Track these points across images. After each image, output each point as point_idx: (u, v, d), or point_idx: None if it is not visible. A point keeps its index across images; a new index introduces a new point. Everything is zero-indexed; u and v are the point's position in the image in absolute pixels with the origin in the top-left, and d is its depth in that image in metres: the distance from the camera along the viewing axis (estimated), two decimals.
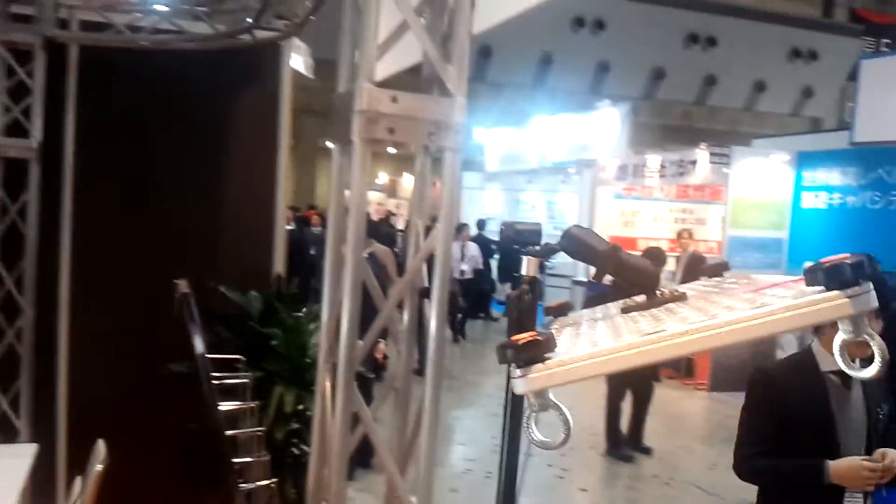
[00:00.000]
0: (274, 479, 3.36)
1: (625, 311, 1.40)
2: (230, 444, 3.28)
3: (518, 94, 19.53)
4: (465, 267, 12.27)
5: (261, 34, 4.24)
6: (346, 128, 2.40)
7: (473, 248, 12.71)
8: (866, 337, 0.97)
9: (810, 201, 10.26)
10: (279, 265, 4.66)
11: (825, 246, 9.60)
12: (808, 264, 0.99)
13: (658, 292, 1.37)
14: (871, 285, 0.95)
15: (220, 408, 3.28)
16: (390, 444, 2.60)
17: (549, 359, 1.02)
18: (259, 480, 3.38)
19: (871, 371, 0.98)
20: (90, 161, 4.23)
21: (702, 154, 10.46)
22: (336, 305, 2.50)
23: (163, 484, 3.96)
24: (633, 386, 7.08)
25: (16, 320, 3.95)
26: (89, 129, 4.22)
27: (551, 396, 1.06)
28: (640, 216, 12.70)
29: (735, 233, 10.32)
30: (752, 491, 4.67)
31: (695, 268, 10.21)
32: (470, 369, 10.32)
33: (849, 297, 0.94)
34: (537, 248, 1.47)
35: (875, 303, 0.96)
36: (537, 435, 1.08)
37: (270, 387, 4.04)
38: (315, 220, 13.45)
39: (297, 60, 5.11)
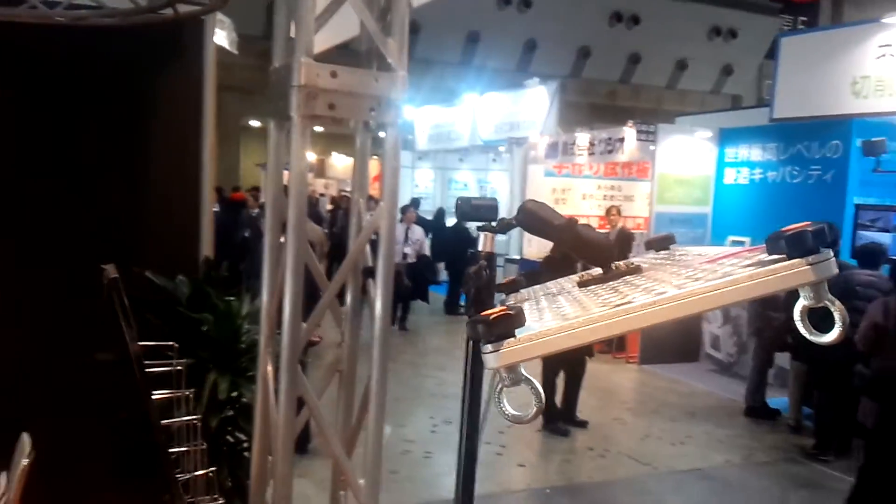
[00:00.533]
0: (212, 469, 3.27)
1: (582, 284, 1.40)
2: (165, 433, 3.17)
3: (446, 71, 19.52)
4: (408, 250, 11.49)
5: (183, 8, 4.08)
6: (284, 104, 2.33)
7: (419, 232, 11.85)
8: (827, 303, 0.99)
9: (732, 177, 10.56)
10: (207, 248, 4.53)
11: (747, 220, 9.92)
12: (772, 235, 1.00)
13: (614, 266, 1.37)
14: (831, 252, 0.96)
15: (153, 396, 3.17)
16: (335, 428, 2.57)
17: (519, 333, 1.01)
18: (196, 470, 3.28)
19: (832, 336, 1.00)
20: (2, 143, 3.99)
21: (629, 132, 10.64)
22: (276, 288, 2.44)
23: (94, 476, 3.82)
24: (567, 362, 7.20)
25: None
26: (4, 108, 3.95)
27: (523, 371, 1.04)
28: (571, 193, 12.86)
29: (661, 209, 10.55)
30: (682, 459, 4.85)
31: (624, 244, 10.50)
32: (408, 350, 10.33)
33: (810, 264, 0.95)
34: (494, 223, 1.45)
35: (835, 269, 0.97)
36: (509, 409, 1.07)
37: (203, 374, 3.93)
38: (251, 202, 13.14)
39: (221, 36, 4.94)
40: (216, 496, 3.03)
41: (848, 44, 8.57)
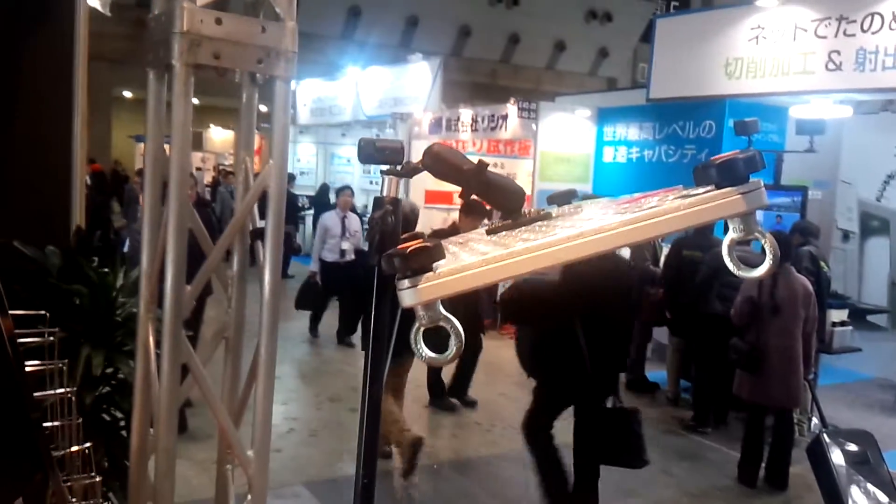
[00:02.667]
0: (87, 444, 3.05)
1: (490, 232, 1.34)
2: (38, 407, 2.93)
3: (328, 45, 19.13)
4: (346, 245, 9.22)
5: None
6: (165, 52, 2.16)
7: (356, 222, 9.59)
8: (757, 235, 0.96)
9: (611, 155, 10.86)
10: (79, 219, 4.26)
11: (617, 195, 10.21)
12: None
13: (524, 213, 1.32)
14: (761, 182, 0.94)
15: (24, 369, 2.92)
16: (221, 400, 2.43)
17: (437, 268, 0.93)
18: (71, 446, 3.05)
19: (762, 269, 0.97)
20: None
21: (512, 109, 10.75)
22: (157, 251, 2.27)
23: None
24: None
25: None
26: None
27: (441, 309, 0.97)
28: None
29: (543, 186, 10.72)
30: (566, 433, 4.94)
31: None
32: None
33: (741, 193, 0.92)
34: (399, 167, 1.36)
35: (766, 199, 0.94)
36: (426, 351, 0.99)
37: (77, 348, 3.70)
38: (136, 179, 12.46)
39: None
40: (93, 474, 2.82)
41: (722, 26, 8.83)
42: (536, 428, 4.85)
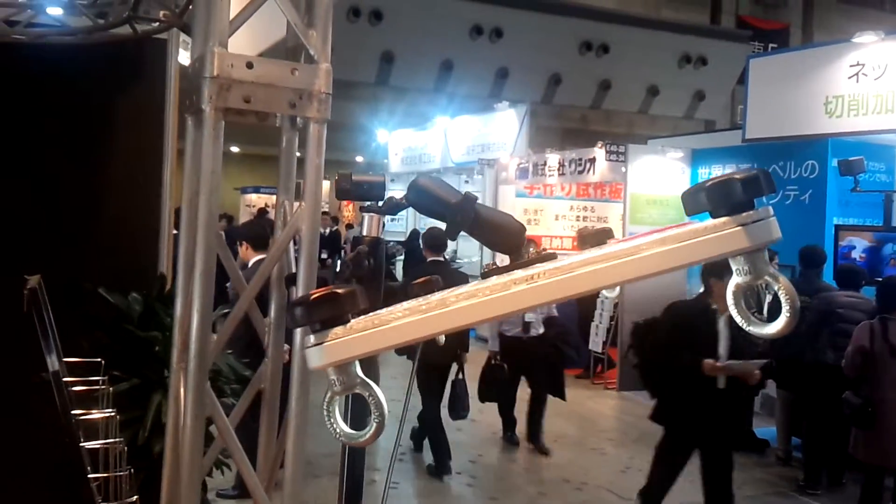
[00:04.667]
0: (135, 497, 3.01)
1: (485, 275, 1.18)
2: (87, 457, 2.92)
3: (420, 97, 19.47)
4: (530, 315, 7.26)
5: (143, 27, 4.00)
6: (197, 96, 2.14)
7: None
8: (769, 279, 0.75)
9: None
10: (164, 265, 4.39)
11: None
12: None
13: (525, 254, 1.16)
14: (770, 210, 0.75)
15: (75, 418, 2.92)
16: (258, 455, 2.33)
17: (350, 320, 0.77)
18: (121, 498, 3.02)
19: (778, 325, 0.76)
20: None
21: (599, 152, 10.56)
22: (190, 296, 2.21)
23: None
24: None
25: None
26: None
27: (358, 371, 0.80)
28: (544, 214, 12.76)
29: (635, 228, 10.41)
30: (669, 497, 4.62)
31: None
32: None
33: (742, 224, 0.73)
34: (379, 203, 1.23)
35: (777, 232, 0.75)
36: (341, 426, 0.81)
37: (149, 395, 3.74)
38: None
39: (186, 56, 4.87)
40: None
41: (819, 64, 8.53)
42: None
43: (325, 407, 0.80)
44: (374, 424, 0.79)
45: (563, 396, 7.33)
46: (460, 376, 6.44)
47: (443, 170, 15.42)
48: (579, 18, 21.77)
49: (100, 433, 3.07)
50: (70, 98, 4.14)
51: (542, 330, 7.06)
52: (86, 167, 4.25)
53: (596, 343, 10.10)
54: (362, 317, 0.77)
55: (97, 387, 3.13)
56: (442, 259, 6.57)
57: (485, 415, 8.27)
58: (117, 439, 3.04)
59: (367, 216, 1.26)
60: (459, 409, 6.59)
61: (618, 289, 0.75)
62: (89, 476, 2.91)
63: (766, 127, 9.32)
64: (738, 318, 0.77)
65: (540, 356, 7.07)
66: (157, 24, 4.14)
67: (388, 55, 19.74)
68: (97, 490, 3.00)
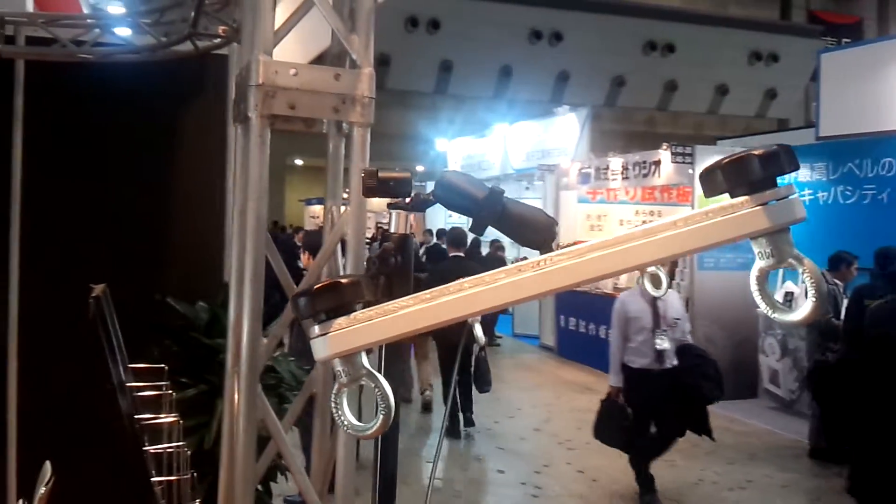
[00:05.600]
0: (198, 500, 3.07)
1: None
2: (149, 461, 3.00)
3: (479, 105, 19.51)
4: (662, 343, 5.94)
5: (204, 43, 4.12)
6: (244, 105, 2.18)
7: (675, 303, 6.56)
8: (793, 262, 0.72)
9: None
10: (228, 275, 4.52)
11: (799, 242, 9.37)
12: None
13: (555, 247, 1.14)
14: (793, 188, 0.71)
15: (139, 422, 3.00)
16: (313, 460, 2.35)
17: (357, 309, 0.76)
18: (184, 501, 3.09)
19: (804, 312, 0.71)
20: (38, 174, 4.18)
21: (664, 154, 10.33)
22: (241, 301, 2.25)
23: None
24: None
25: None
26: (37, 142, 4.19)
27: (364, 362, 0.78)
28: (607, 220, 12.52)
29: None
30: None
31: (671, 268, 10.02)
32: None
33: (761, 203, 0.69)
34: (407, 200, 1.22)
35: (802, 211, 0.71)
36: (349, 418, 0.79)
37: (214, 401, 3.83)
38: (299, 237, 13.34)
39: None
40: None
41: (894, 57, 8.18)
42: None
43: (332, 399, 0.79)
44: (381, 416, 0.77)
45: (710, 434, 6.07)
46: (483, 354, 6.82)
47: (502, 177, 15.35)
48: (642, 18, 21.49)
49: (164, 437, 3.15)
50: (136, 114, 4.30)
51: (676, 361, 5.83)
52: (153, 181, 4.40)
53: None
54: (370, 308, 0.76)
55: (161, 392, 3.21)
56: (462, 254, 7.41)
57: (551, 424, 8.19)
58: (180, 443, 3.11)
59: (394, 213, 1.26)
60: (483, 383, 7.24)
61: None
62: (152, 479, 2.98)
63: (841, 124, 8.99)
64: (762, 305, 0.73)
65: (675, 392, 5.79)
66: (217, 39, 4.27)
67: (447, 64, 19.85)
68: (161, 493, 3.07)
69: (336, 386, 0.77)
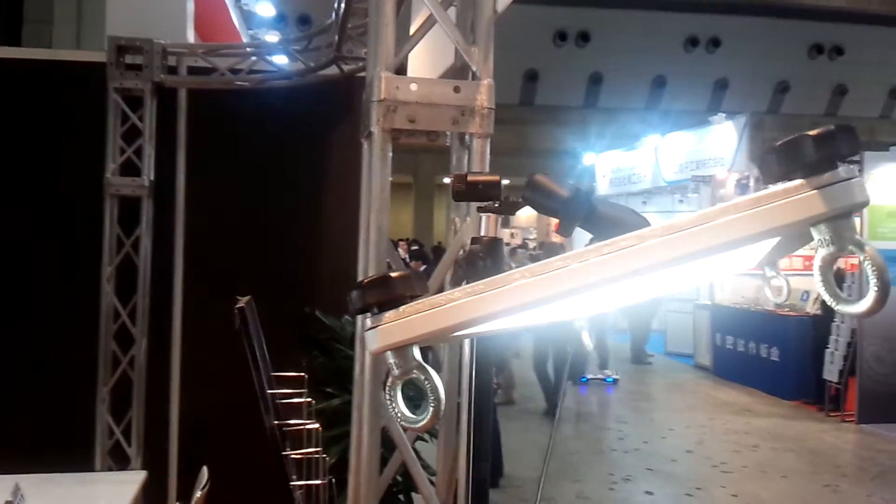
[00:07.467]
0: None
1: None
2: (290, 465, 3.16)
3: (631, 117, 19.11)
4: None
5: (349, 66, 4.38)
6: (368, 120, 2.28)
7: None
8: (853, 248, 0.67)
9: None
10: None
11: None
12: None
13: None
14: (855, 170, 0.66)
15: (280, 428, 3.17)
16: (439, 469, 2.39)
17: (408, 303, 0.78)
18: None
19: (867, 303, 0.67)
20: (200, 197, 4.50)
21: None
22: None
23: None
24: None
25: (129, 349, 4.20)
26: (199, 167, 4.51)
27: (416, 356, 0.79)
28: None
29: (875, 244, 9.38)
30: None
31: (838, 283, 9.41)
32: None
33: (818, 187, 0.66)
34: (496, 203, 1.23)
35: (865, 195, 0.66)
36: (402, 409, 0.80)
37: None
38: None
39: None
40: None
41: None
42: None
43: (386, 391, 0.81)
44: (431, 409, 0.79)
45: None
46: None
47: (654, 189, 14.91)
48: (807, 20, 20.30)
49: (304, 443, 3.31)
50: (288, 136, 4.55)
51: None
52: (304, 201, 4.64)
53: (831, 372, 9.22)
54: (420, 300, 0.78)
55: (301, 399, 3.37)
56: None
57: (704, 447, 7.85)
58: (318, 449, 3.25)
59: (483, 216, 1.27)
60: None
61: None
62: (292, 483, 3.13)
63: None
64: (825, 296, 0.69)
65: None
66: (361, 62, 4.47)
67: (597, 76, 19.59)
68: (301, 497, 3.22)
69: (390, 379, 0.79)
